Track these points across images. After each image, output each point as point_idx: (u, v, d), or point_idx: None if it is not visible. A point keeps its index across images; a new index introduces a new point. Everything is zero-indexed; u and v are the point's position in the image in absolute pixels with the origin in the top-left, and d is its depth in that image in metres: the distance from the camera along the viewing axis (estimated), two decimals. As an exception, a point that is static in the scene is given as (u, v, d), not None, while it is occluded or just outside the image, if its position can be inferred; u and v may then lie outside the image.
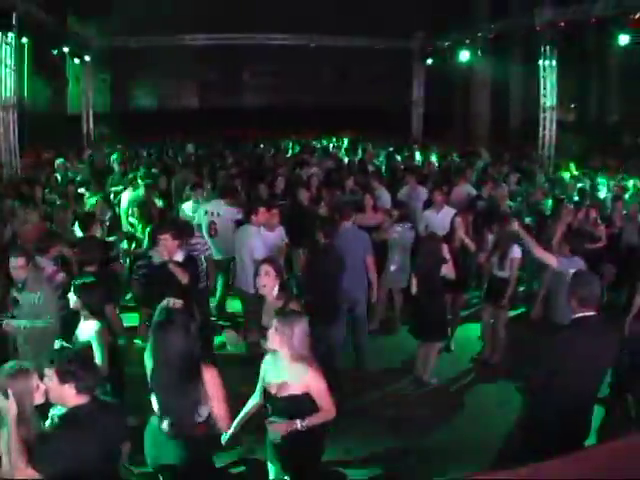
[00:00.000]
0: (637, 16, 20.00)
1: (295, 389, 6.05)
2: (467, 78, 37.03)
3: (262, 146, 28.68)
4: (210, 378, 5.82)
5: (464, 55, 30.04)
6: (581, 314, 6.41)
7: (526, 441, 6.81)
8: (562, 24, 23.52)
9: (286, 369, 6.11)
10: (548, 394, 6.41)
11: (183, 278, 9.23)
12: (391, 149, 27.27)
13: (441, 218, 12.78)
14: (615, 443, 5.01)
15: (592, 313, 6.40)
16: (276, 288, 7.55)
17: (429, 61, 34.07)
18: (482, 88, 36.33)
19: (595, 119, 41.81)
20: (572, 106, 42.42)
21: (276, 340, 6.13)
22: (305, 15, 33.73)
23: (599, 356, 6.38)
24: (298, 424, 6.03)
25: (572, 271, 7.54)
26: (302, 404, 6.06)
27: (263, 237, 11.09)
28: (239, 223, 12.36)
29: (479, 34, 28.85)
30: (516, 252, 10.99)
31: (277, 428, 6.11)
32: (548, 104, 25.03)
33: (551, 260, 9.47)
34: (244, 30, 31.95)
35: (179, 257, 9.40)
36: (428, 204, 14.23)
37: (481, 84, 36.22)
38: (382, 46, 34.32)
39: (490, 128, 36.63)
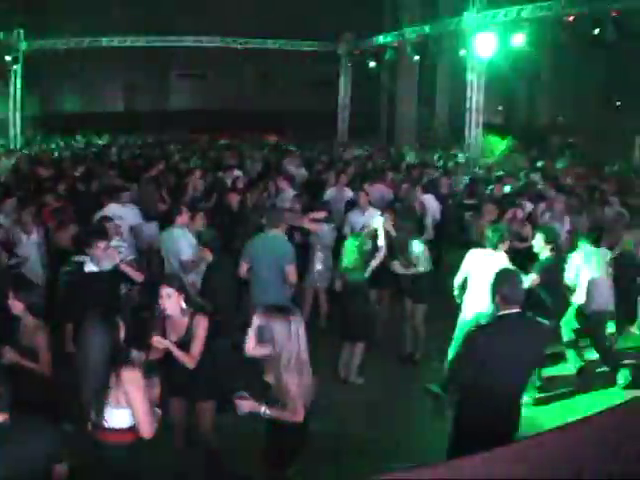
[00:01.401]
0: (572, 18, 20.23)
1: (270, 377, 6.13)
2: (394, 81, 37.27)
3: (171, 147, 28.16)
4: (129, 382, 5.55)
5: (390, 57, 30.19)
6: (505, 312, 6.45)
7: (456, 439, 6.79)
8: (490, 27, 23.75)
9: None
10: (474, 391, 6.41)
11: (138, 277, 9.22)
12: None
13: (366, 219, 12.76)
14: (536, 438, 5.04)
15: (516, 310, 6.44)
16: (178, 306, 7.37)
17: (355, 64, 34.15)
18: (409, 91, 36.52)
19: (523, 121, 42.32)
20: (499, 108, 42.92)
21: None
22: (232, 18, 33.73)
23: (523, 353, 6.40)
24: (262, 409, 6.05)
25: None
26: (274, 394, 6.11)
27: (189, 239, 10.96)
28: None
29: (406, 37, 28.99)
30: (416, 247, 11.06)
31: (241, 403, 6.07)
32: (474, 106, 25.11)
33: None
34: (171, 32, 31.80)
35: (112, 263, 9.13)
36: (351, 205, 14.21)
37: (408, 87, 36.39)
38: (308, 49, 34.44)
39: (416, 131, 36.86)
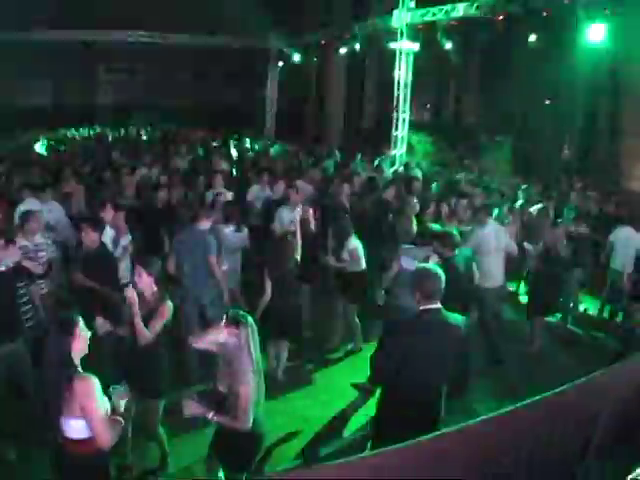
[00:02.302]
0: (501, 18, 20.43)
1: (221, 385, 6.13)
2: (322, 78, 37.38)
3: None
4: (81, 393, 5.42)
5: (319, 55, 30.28)
6: (425, 307, 6.52)
7: (377, 432, 6.89)
8: (421, 26, 23.92)
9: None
10: (395, 382, 6.49)
11: (38, 270, 9.29)
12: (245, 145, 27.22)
13: (294, 216, 12.79)
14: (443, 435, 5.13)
15: (436, 306, 6.54)
16: (149, 286, 7.43)
17: (284, 61, 34.17)
18: (337, 88, 36.64)
19: (451, 119, 42.60)
20: (427, 106, 43.16)
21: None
22: (162, 12, 33.48)
23: (443, 347, 6.51)
24: (210, 414, 6.02)
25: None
26: (222, 401, 6.09)
27: (109, 236, 10.85)
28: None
29: (336, 35, 29.08)
30: (352, 244, 11.16)
31: (189, 406, 6.06)
32: (401, 104, 25.22)
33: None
34: (100, 26, 31.50)
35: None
36: (278, 202, 14.19)
37: (336, 84, 36.52)
38: (238, 45, 34.34)
39: (344, 128, 36.99)
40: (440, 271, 6.80)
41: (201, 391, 6.64)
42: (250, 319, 6.28)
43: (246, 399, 5.94)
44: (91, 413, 5.40)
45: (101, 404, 5.51)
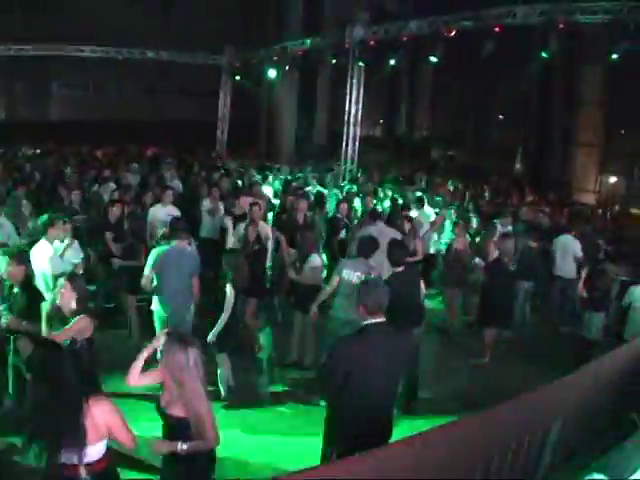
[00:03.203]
0: (453, 34, 20.62)
1: (178, 411, 5.88)
2: (274, 94, 37.42)
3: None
4: (101, 413, 5.35)
5: (272, 71, 30.32)
6: (370, 321, 6.54)
7: (327, 445, 6.90)
8: (372, 42, 24.06)
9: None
10: (343, 398, 6.48)
11: None
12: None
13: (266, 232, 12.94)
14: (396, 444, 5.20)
15: (380, 320, 6.54)
16: (73, 302, 7.44)
17: (237, 77, 34.13)
18: (289, 104, 36.72)
19: (403, 134, 42.80)
20: (380, 121, 43.38)
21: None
22: (115, 28, 33.36)
23: (389, 361, 6.49)
24: (179, 446, 5.80)
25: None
26: (185, 426, 5.85)
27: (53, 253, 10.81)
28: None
29: (288, 51, 29.16)
30: (316, 261, 11.22)
31: (157, 447, 5.91)
32: (352, 120, 25.32)
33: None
34: (53, 41, 31.29)
35: None
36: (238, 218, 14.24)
37: (288, 100, 36.60)
38: (190, 60, 34.28)
39: (295, 144, 37.07)
40: (384, 284, 6.85)
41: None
42: (195, 339, 6.16)
43: (209, 416, 5.87)
44: (123, 426, 5.47)
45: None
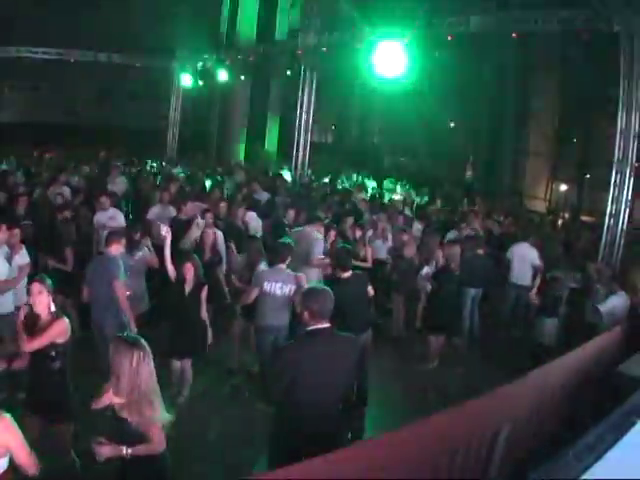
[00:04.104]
0: (406, 40, 20.65)
1: (126, 413, 5.80)
2: (225, 99, 37.37)
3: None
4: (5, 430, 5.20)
5: (223, 76, 30.26)
6: (314, 326, 6.50)
7: (273, 452, 6.81)
8: (324, 49, 24.05)
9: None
10: (287, 406, 6.45)
11: None
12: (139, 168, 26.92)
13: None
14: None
15: (325, 325, 6.52)
16: (47, 305, 7.29)
17: (188, 81, 33.99)
18: (240, 109, 36.67)
19: (355, 140, 42.88)
20: (332, 127, 43.45)
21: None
22: (67, 30, 33.11)
23: (334, 367, 6.48)
24: (124, 450, 5.75)
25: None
26: (132, 430, 5.80)
27: (3, 258, 10.62)
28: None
29: (240, 55, 29.12)
30: (263, 268, 11.13)
31: (101, 450, 5.76)
32: (303, 126, 25.31)
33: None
34: (2, 43, 31.00)
35: None
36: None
37: (239, 106, 36.54)
38: (141, 64, 34.10)
39: (246, 149, 37.05)
40: (329, 290, 6.80)
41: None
42: (143, 341, 6.06)
43: (156, 421, 5.81)
44: (20, 446, 5.23)
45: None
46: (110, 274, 9.99)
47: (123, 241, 10.61)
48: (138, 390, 5.78)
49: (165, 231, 10.66)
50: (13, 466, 5.26)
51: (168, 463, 6.16)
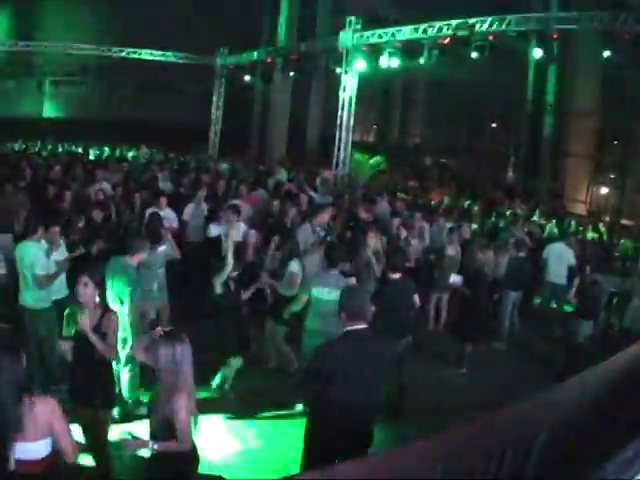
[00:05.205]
0: (447, 41, 20.58)
1: (161, 408, 5.84)
2: (267, 97, 37.41)
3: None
4: (45, 411, 5.16)
5: (265, 74, 30.29)
6: (351, 327, 6.48)
7: (307, 453, 6.81)
8: (365, 47, 24.02)
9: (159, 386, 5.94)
10: (321, 406, 6.44)
11: None
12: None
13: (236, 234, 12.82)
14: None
15: (362, 326, 6.48)
16: (93, 297, 7.37)
17: (230, 78, 34.08)
18: (281, 107, 36.68)
19: (396, 140, 42.79)
20: (373, 127, 43.37)
21: (140, 355, 6.12)
22: (109, 27, 33.31)
23: (370, 367, 6.43)
24: (151, 444, 5.81)
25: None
26: (164, 427, 5.82)
27: (45, 252, 10.69)
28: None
29: (282, 53, 29.12)
30: (294, 267, 11.13)
31: (128, 443, 5.91)
32: (344, 124, 25.29)
33: None
34: (46, 39, 31.23)
35: None
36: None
37: (281, 103, 36.57)
38: (184, 61, 34.27)
39: (287, 147, 37.02)
40: (367, 291, 6.79)
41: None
42: (184, 336, 6.09)
43: (184, 418, 5.79)
44: (64, 432, 5.26)
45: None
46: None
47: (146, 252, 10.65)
48: (176, 385, 5.81)
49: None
50: (54, 451, 5.27)
51: (197, 462, 6.18)
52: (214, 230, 13.35)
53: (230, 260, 10.19)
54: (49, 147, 32.21)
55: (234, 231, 12.09)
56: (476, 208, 21.29)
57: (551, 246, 15.17)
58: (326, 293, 9.64)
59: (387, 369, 6.77)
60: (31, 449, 5.11)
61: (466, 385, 11.65)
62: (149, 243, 10.46)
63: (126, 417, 8.66)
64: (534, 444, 6.61)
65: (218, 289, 10.01)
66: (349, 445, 6.19)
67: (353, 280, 10.05)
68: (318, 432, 6.60)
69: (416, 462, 5.11)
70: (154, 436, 5.87)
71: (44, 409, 5.14)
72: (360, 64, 24.51)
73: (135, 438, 5.89)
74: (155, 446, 5.81)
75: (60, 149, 31.22)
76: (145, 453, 5.94)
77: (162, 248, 11.60)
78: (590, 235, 20.27)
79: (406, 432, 8.97)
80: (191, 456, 6.05)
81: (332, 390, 6.33)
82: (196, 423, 6.05)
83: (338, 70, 25.45)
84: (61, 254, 10.96)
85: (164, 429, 5.82)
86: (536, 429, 6.61)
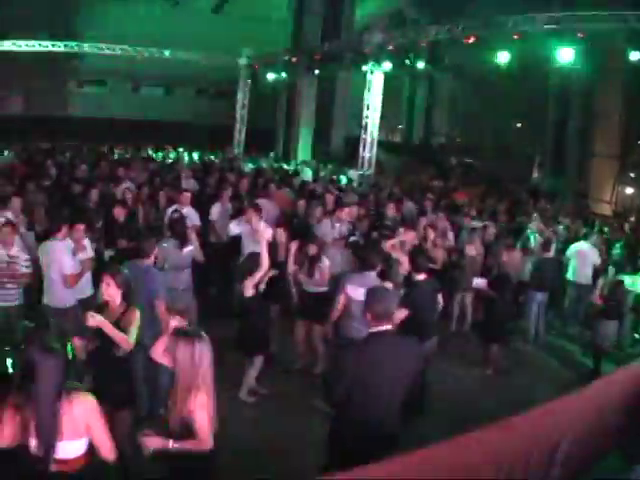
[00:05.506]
0: (471, 40, 20.53)
1: (180, 407, 5.85)
2: (292, 96, 37.44)
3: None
4: (83, 410, 5.22)
5: (290, 73, 30.33)
6: (376, 329, 6.43)
7: (331, 455, 6.79)
8: (391, 47, 23.99)
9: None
10: (347, 407, 6.41)
11: None
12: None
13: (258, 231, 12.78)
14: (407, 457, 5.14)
15: (387, 327, 6.42)
16: (116, 296, 7.44)
17: (255, 78, 34.17)
18: (307, 107, 36.70)
19: (421, 140, 42.72)
20: (399, 126, 43.32)
21: (158, 355, 6.22)
22: (133, 28, 33.44)
23: (395, 369, 6.38)
24: (170, 443, 5.80)
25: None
26: (182, 426, 5.84)
27: (71, 252, 10.71)
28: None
29: (307, 53, 29.15)
30: (324, 264, 11.11)
31: (148, 442, 5.84)
32: (370, 124, 25.23)
33: None
34: (72, 39, 31.39)
35: None
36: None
37: (306, 103, 36.58)
38: (208, 61, 34.36)
39: (313, 146, 37.03)
40: (392, 292, 6.76)
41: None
42: (204, 335, 6.08)
43: (203, 417, 5.80)
44: (101, 430, 5.31)
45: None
46: (151, 290, 9.89)
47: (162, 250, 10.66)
48: (194, 384, 5.83)
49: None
50: (90, 449, 5.31)
51: (215, 463, 6.19)
52: (234, 229, 13.34)
53: (265, 262, 10.21)
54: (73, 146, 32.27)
55: (268, 231, 11.88)
56: (501, 208, 21.15)
57: (576, 246, 15.07)
58: (361, 294, 9.59)
59: (412, 370, 6.71)
60: (68, 448, 5.16)
61: (491, 386, 11.61)
62: (157, 241, 10.50)
63: (146, 416, 8.67)
64: (559, 446, 6.59)
65: (249, 291, 10.01)
66: (375, 446, 6.15)
67: (390, 284, 9.97)
68: (343, 433, 6.57)
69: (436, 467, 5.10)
70: (172, 435, 5.88)
71: (83, 408, 5.20)
72: (385, 64, 24.50)
73: (154, 437, 5.87)
74: (174, 445, 5.82)
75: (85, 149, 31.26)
76: (163, 451, 5.93)
77: (188, 249, 11.62)
78: (615, 235, 20.12)
79: (428, 432, 8.96)
80: (210, 456, 6.04)
81: (357, 391, 6.31)
82: (214, 423, 6.05)
83: (364, 68, 25.42)
84: (86, 253, 11.00)
85: (182, 428, 5.84)
86: (562, 431, 6.58)
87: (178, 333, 6.17)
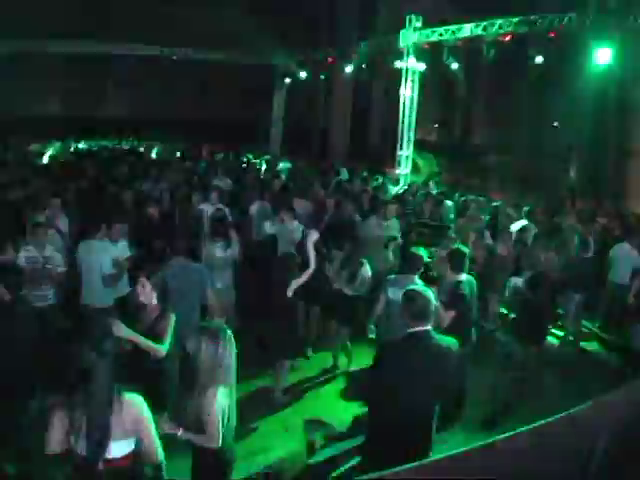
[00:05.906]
0: (507, 38, 20.45)
1: (196, 404, 5.93)
2: (328, 95, 37.45)
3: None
4: (133, 411, 5.28)
5: (326, 72, 30.35)
6: (413, 329, 6.45)
7: (368, 455, 6.81)
8: (426, 45, 23.93)
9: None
10: (383, 407, 6.42)
11: None
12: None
13: (292, 230, 12.84)
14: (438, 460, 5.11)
15: (425, 328, 6.45)
16: (151, 298, 7.51)
17: (291, 76, 34.23)
18: (343, 105, 36.69)
19: (458, 139, 42.57)
20: (435, 126, 43.18)
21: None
22: (169, 27, 33.56)
23: (433, 370, 6.41)
24: (179, 431, 5.95)
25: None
26: (197, 420, 5.93)
27: (110, 252, 10.80)
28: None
29: (342, 52, 29.15)
30: (365, 271, 11.08)
31: (162, 423, 5.91)
32: (407, 123, 25.19)
33: None
34: (108, 39, 31.57)
35: None
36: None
37: (342, 101, 36.57)
38: (244, 61, 34.47)
39: (349, 145, 36.99)
40: (430, 293, 6.74)
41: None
42: (229, 332, 6.17)
43: (214, 414, 5.85)
44: (150, 432, 5.36)
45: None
46: (202, 285, 9.98)
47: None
48: (213, 380, 5.91)
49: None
50: (136, 449, 5.35)
51: (230, 461, 6.30)
52: (269, 229, 13.38)
53: (312, 264, 10.25)
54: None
55: (314, 233, 11.85)
56: (538, 208, 21.03)
57: (617, 246, 14.95)
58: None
59: (450, 372, 6.70)
60: (116, 447, 5.19)
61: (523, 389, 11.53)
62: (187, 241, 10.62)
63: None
64: (596, 448, 6.53)
65: (291, 292, 10.04)
66: (410, 447, 6.16)
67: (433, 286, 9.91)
68: (379, 433, 6.58)
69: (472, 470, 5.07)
70: (186, 427, 5.98)
71: (133, 409, 5.26)
72: (421, 63, 24.46)
73: (167, 421, 5.95)
74: (183, 435, 5.95)
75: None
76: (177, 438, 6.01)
77: (232, 251, 11.70)
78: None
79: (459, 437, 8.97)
80: (225, 454, 6.15)
81: (393, 391, 6.31)
82: (233, 421, 6.17)
83: (398, 65, 25.35)
84: (123, 252, 11.07)
85: (196, 422, 5.92)
86: (598, 433, 6.53)
87: (202, 328, 6.26)
